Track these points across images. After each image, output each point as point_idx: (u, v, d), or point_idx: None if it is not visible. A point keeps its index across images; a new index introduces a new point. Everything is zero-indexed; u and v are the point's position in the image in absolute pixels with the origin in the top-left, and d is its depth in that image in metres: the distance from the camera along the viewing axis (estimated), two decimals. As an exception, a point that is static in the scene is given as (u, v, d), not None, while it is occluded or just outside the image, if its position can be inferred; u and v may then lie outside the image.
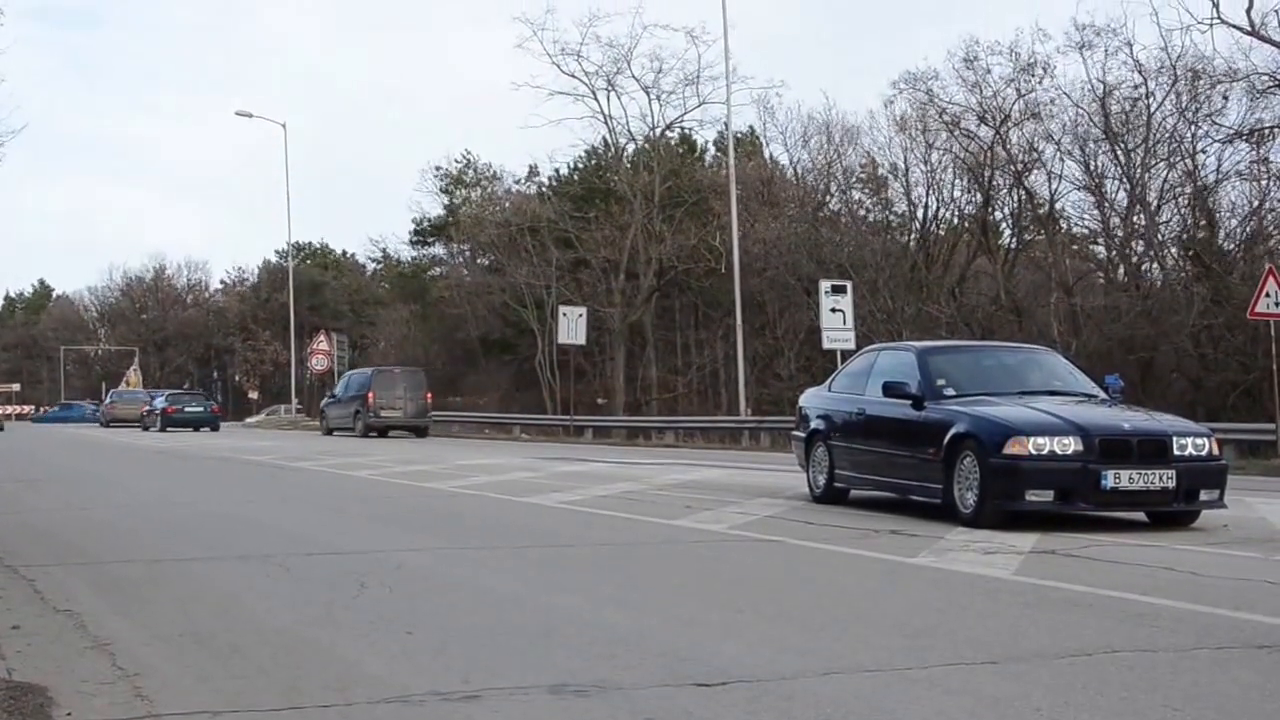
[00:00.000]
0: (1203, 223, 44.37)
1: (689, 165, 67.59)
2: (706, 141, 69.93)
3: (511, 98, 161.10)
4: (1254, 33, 40.27)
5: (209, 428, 61.48)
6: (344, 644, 7.73)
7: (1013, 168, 48.60)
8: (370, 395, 51.42)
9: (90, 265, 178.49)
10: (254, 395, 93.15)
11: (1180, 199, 45.01)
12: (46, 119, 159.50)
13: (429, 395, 53.89)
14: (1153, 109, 44.23)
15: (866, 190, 57.95)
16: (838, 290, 39.63)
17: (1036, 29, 60.85)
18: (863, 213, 57.79)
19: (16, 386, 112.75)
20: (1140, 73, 44.38)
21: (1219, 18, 40.56)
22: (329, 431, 54.30)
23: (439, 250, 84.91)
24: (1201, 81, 42.85)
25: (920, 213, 54.40)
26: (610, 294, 63.57)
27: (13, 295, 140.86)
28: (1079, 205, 48.64)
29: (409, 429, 51.67)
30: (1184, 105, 43.49)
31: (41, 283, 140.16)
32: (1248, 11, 40.10)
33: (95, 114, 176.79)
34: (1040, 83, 47.39)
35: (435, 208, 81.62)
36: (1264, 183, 43.14)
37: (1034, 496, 13.72)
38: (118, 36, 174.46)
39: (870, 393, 16.62)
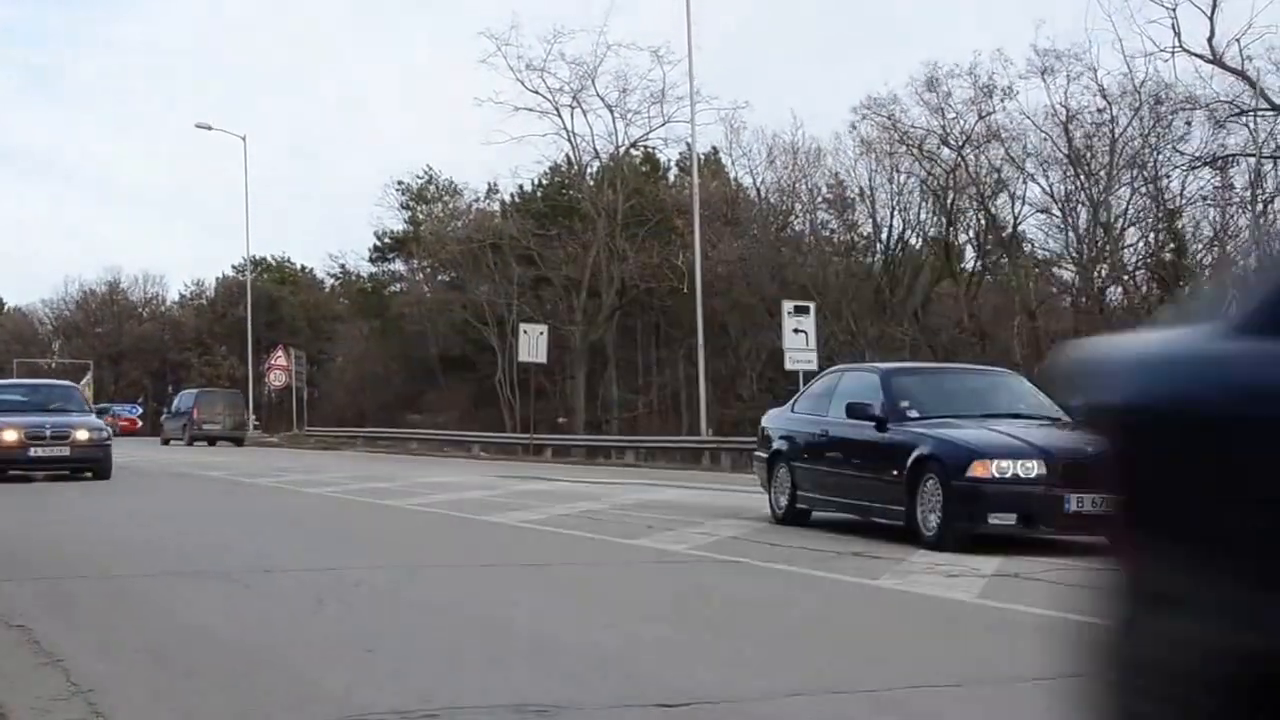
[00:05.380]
0: (1171, 245, 44.66)
1: (653, 184, 67.56)
2: (670, 160, 69.98)
3: (474, 114, 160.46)
4: (1215, 61, 40.65)
5: None
6: (302, 662, 7.71)
7: (975, 190, 48.80)
8: (195, 411, 62.40)
9: (44, 278, 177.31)
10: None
11: (1144, 223, 45.34)
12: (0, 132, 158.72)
13: (246, 412, 66.78)
14: (1116, 134, 44.56)
15: (831, 211, 58.04)
16: (800, 311, 39.66)
17: (997, 54, 61.00)
18: (827, 234, 57.89)
19: None
20: (1104, 97, 44.72)
21: (1181, 46, 40.96)
22: (165, 441, 63.74)
23: (399, 266, 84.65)
24: (1163, 107, 43.19)
25: (885, 235, 54.63)
26: (572, 312, 63.47)
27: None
28: (1042, 228, 48.94)
29: (228, 439, 61.70)
30: (1147, 130, 43.82)
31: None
32: (1209, 40, 40.50)
33: (51, 126, 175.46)
34: (1003, 104, 47.69)
35: (396, 223, 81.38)
36: (1227, 209, 43.49)
37: (997, 520, 13.76)
38: (73, 51, 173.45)
39: (833, 414, 16.64)
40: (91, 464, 27.24)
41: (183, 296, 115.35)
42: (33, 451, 26.49)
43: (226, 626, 8.95)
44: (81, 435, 26.95)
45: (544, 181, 71.17)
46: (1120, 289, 46.14)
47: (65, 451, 26.82)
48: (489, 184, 73.60)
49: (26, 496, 23.09)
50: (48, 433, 26.69)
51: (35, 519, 18.33)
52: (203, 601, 10.05)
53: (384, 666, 7.58)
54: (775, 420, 18.66)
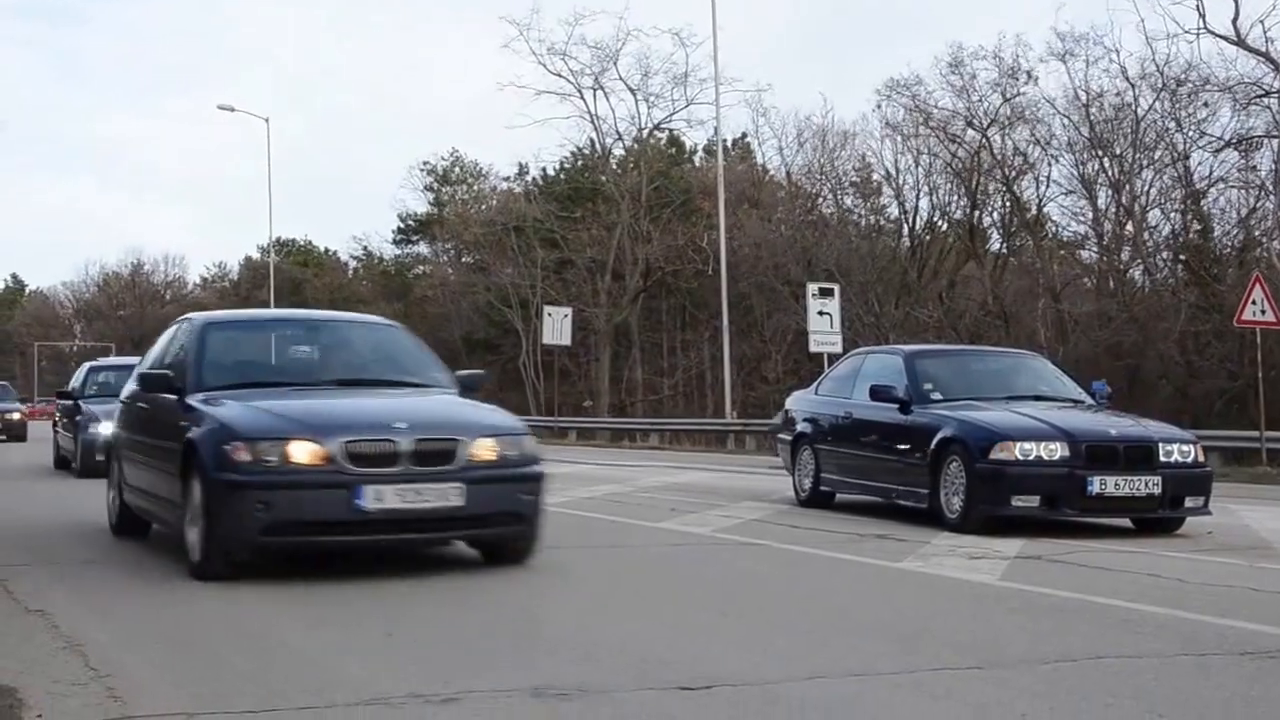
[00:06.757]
0: (1197, 227, 44.48)
1: (678, 166, 67.59)
2: (698, 144, 70.02)
3: (499, 98, 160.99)
4: (1239, 43, 40.39)
5: None
6: (321, 646, 7.70)
7: (1000, 172, 48.69)
8: None
9: (67, 261, 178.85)
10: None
11: (1167, 204, 45.19)
12: (23, 115, 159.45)
13: None
14: (1140, 115, 44.37)
15: (859, 194, 57.98)
16: (825, 293, 39.62)
17: (1016, 39, 60.65)
18: (854, 217, 57.83)
19: None
20: (1126, 78, 44.55)
21: (1205, 27, 40.73)
22: None
23: (423, 248, 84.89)
24: (1184, 88, 42.97)
25: (910, 217, 54.53)
26: (596, 294, 63.47)
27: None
28: (1066, 210, 48.79)
29: None
30: (1175, 109, 43.61)
31: (14, 278, 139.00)
32: (1233, 22, 40.26)
33: (74, 110, 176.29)
34: (1025, 87, 47.56)
35: (420, 205, 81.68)
36: (1252, 191, 43.27)
37: (1020, 502, 13.73)
38: (98, 34, 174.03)
39: (857, 396, 16.62)
40: (507, 524, 10.91)
41: (205, 279, 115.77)
42: (371, 496, 10.07)
43: (246, 611, 8.95)
44: (482, 449, 10.64)
45: (567, 165, 71.24)
46: (1143, 270, 45.96)
47: (452, 496, 10.29)
48: (518, 165, 73.69)
49: (43, 483, 23.13)
50: (400, 442, 10.25)
51: (57, 504, 18.36)
52: (223, 586, 10.03)
53: (404, 650, 7.58)
54: (799, 403, 18.64)
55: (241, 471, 9.89)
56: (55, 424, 27.09)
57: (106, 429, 20.54)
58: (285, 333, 13.19)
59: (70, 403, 24.76)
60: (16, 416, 44.74)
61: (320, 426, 10.20)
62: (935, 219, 54.22)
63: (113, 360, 33.47)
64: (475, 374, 13.10)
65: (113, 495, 13.74)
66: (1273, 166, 42.09)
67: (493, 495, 10.55)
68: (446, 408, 11.51)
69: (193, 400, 11.05)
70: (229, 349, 12.38)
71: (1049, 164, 47.87)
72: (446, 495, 10.24)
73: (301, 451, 9.95)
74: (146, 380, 12.27)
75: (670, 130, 67.23)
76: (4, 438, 42.84)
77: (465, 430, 10.61)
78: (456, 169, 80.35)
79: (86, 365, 28.20)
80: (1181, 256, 44.27)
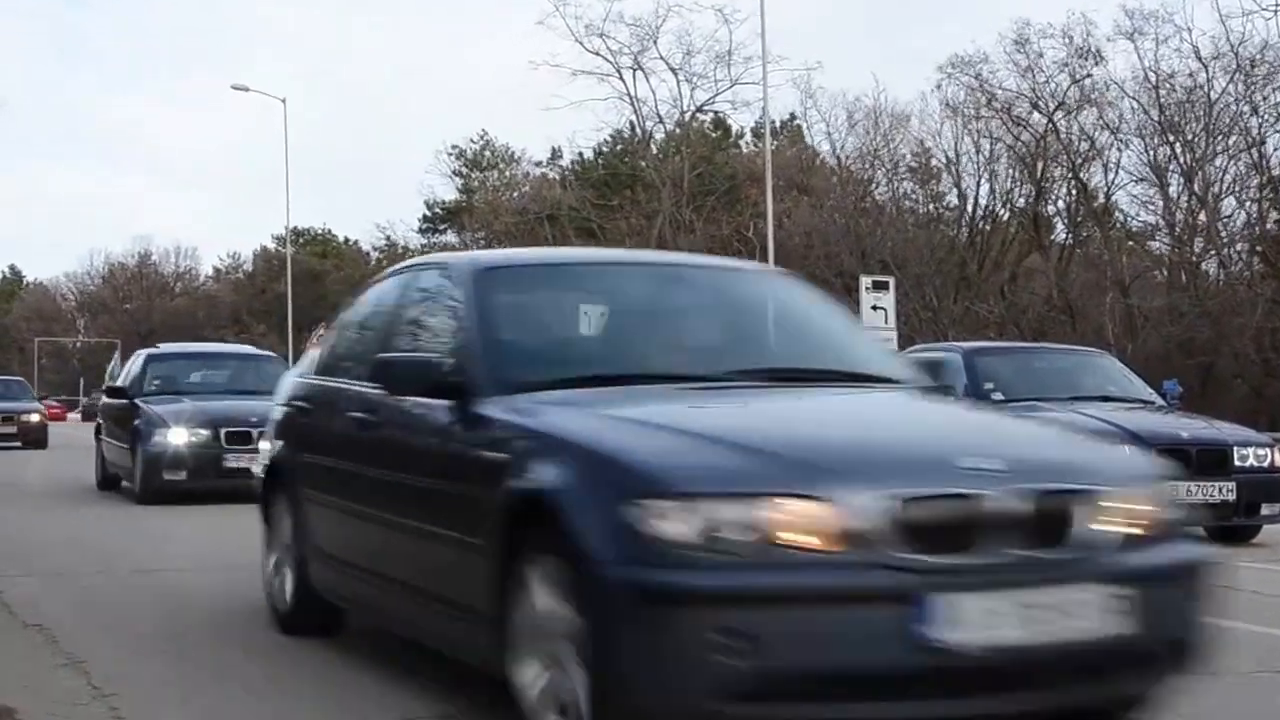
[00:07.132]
0: (1275, 216, 44.21)
1: (723, 150, 67.40)
2: (744, 127, 69.82)
3: (532, 78, 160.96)
4: (1320, 20, 40.22)
5: None
6: (340, 663, 7.65)
7: (1066, 158, 48.49)
8: None
9: (68, 251, 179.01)
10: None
11: (1243, 192, 44.91)
12: (26, 99, 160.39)
13: None
14: (1213, 98, 44.14)
15: (915, 180, 57.70)
16: (879, 286, 39.38)
17: (1081, 17, 60.29)
18: (909, 204, 57.58)
19: None
20: (1198, 58, 44.33)
21: (1285, 3, 40.54)
22: None
23: (451, 238, 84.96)
24: (1260, 68, 42.75)
25: (970, 205, 54.27)
26: (636, 288, 63.32)
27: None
28: (1136, 199, 48.59)
29: None
30: (1245, 94, 43.39)
31: (11, 269, 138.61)
32: (1317, -3, 40.05)
33: (79, 94, 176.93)
34: (1094, 67, 47.37)
35: (448, 191, 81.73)
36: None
37: (1086, 509, 13.62)
38: (103, 14, 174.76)
39: (912, 396, 16.50)
40: (1172, 661, 5.45)
41: (218, 270, 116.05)
42: (950, 618, 4.81)
43: (260, 625, 8.91)
44: (1128, 512, 5.32)
45: (605, 149, 71.15)
46: (1218, 262, 45.71)
47: (1099, 613, 5.04)
48: (553, 148, 73.65)
49: (42, 491, 23.13)
50: (996, 497, 4.98)
51: (55, 512, 18.35)
52: (234, 598, 9.99)
53: (427, 666, 7.53)
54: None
55: (680, 565, 4.82)
56: (99, 430, 22.00)
57: (178, 437, 18.58)
58: (620, 287, 7.82)
59: (124, 402, 20.16)
60: (35, 419, 39.30)
61: (828, 466, 5.14)
62: (996, 207, 53.98)
63: (179, 347, 26.29)
64: None
65: (281, 575, 8.62)
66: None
67: (1162, 605, 5.35)
68: (1038, 430, 7.16)
69: (496, 410, 6.13)
70: (534, 317, 7.47)
71: (1118, 150, 47.70)
72: (1089, 610, 5.09)
73: (804, 519, 4.86)
74: (396, 372, 6.73)
75: (714, 112, 67.11)
76: (19, 444, 37.78)
77: (1097, 474, 5.49)
78: (487, 153, 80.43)
79: (143, 354, 22.57)
80: (1258, 248, 44.04)
